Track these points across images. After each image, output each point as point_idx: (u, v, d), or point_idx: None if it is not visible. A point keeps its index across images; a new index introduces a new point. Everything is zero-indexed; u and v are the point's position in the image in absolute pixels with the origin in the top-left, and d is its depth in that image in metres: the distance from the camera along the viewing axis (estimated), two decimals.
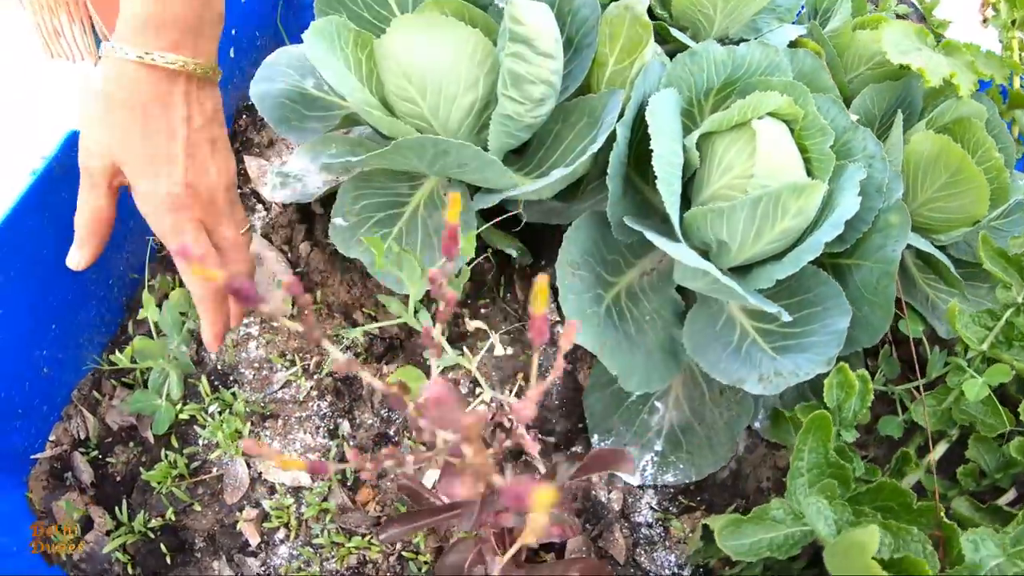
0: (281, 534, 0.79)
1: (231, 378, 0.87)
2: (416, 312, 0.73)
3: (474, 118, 0.74)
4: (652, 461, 0.79)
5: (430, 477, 0.80)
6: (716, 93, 0.75)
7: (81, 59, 1.07)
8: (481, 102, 0.73)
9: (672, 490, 0.81)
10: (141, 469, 0.85)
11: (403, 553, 0.77)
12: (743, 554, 0.61)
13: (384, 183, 0.81)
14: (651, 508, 0.80)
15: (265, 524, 0.81)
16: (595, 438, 0.80)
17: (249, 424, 0.83)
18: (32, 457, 0.89)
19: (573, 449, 0.81)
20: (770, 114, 0.72)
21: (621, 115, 0.71)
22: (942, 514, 0.60)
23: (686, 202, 0.76)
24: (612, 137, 0.70)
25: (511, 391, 0.81)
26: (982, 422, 0.69)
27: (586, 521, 0.78)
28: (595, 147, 0.70)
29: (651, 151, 0.67)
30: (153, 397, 0.83)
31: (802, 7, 0.93)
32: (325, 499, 0.79)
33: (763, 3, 0.84)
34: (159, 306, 0.83)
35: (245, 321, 0.89)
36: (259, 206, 0.95)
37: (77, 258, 0.73)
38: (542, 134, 0.81)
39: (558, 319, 0.87)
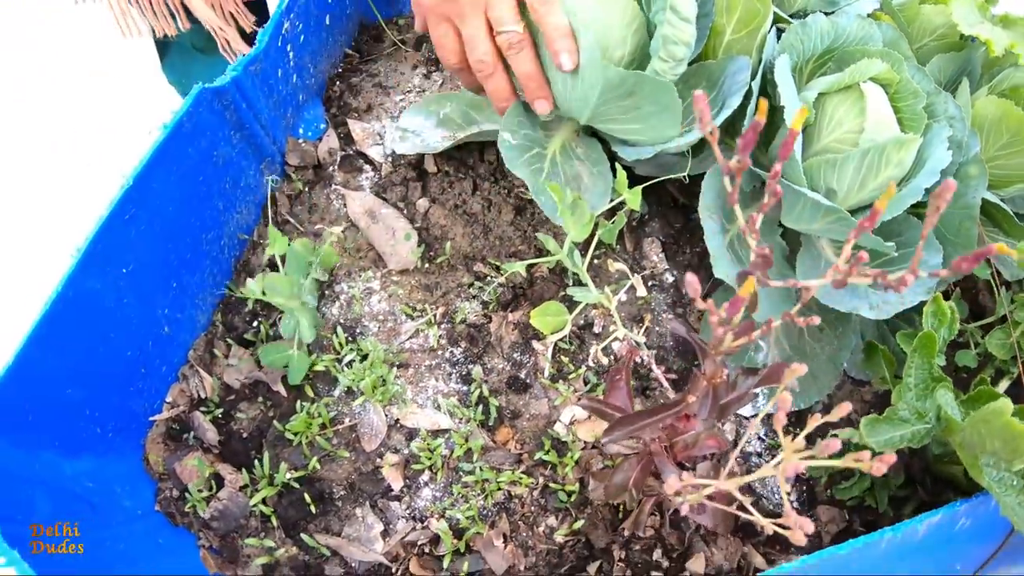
0: (425, 476, 0.86)
1: (356, 331, 0.91)
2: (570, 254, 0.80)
3: (624, 55, 0.84)
4: (762, 393, 0.88)
5: (567, 414, 0.87)
6: (817, 59, 0.88)
7: (158, 33, 1.11)
8: (628, 58, 0.85)
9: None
10: (275, 423, 0.90)
11: (549, 485, 0.83)
12: (884, 445, 0.72)
13: (529, 127, 0.91)
14: (759, 439, 0.88)
15: (407, 469, 0.87)
16: None
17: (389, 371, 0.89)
18: (150, 419, 0.90)
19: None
20: (871, 79, 0.83)
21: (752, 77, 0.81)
22: None
23: None
24: (748, 95, 0.79)
25: (640, 331, 0.89)
26: None
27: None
28: (735, 103, 0.79)
29: (780, 107, 0.80)
30: (285, 347, 0.87)
31: None
32: (467, 439, 0.84)
33: None
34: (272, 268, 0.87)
35: (366, 275, 0.93)
36: (367, 167, 1.02)
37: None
38: None
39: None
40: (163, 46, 1.33)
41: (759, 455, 0.92)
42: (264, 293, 0.84)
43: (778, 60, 0.84)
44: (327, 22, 1.07)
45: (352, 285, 0.96)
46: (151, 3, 1.11)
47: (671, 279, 0.98)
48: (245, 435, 0.92)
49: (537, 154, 0.91)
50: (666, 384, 0.86)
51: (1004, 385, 0.93)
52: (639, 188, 0.82)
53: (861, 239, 0.80)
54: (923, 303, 0.84)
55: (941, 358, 0.86)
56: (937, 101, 0.88)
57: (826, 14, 0.96)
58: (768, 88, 0.88)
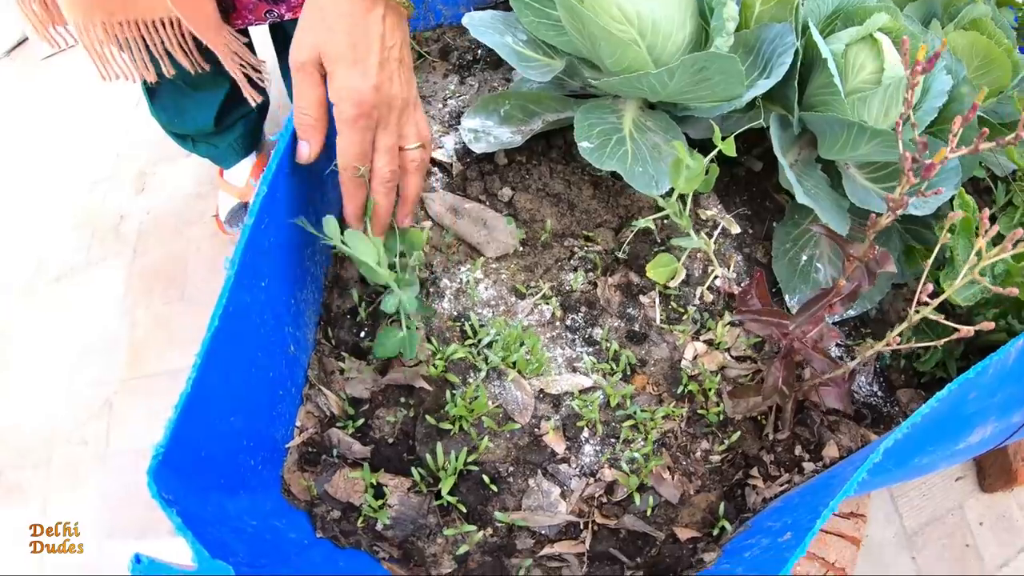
0: (585, 434, 0.92)
1: (476, 320, 0.96)
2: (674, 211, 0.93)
3: (682, 52, 0.99)
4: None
5: (689, 351, 0.96)
6: (827, 19, 1.04)
7: (134, 80, 1.13)
8: (688, 38, 0.97)
9: (845, 329, 1.12)
10: (426, 417, 0.94)
11: (697, 412, 0.92)
12: (968, 299, 0.96)
13: (599, 114, 1.02)
14: (837, 345, 1.02)
15: (567, 431, 0.97)
16: (787, 298, 1.05)
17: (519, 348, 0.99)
18: (285, 447, 0.90)
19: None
20: (879, 29, 1.00)
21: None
22: None
23: None
24: (796, 56, 0.96)
25: (732, 268, 1.00)
26: None
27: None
28: (787, 60, 0.95)
29: (821, 61, 1.01)
30: (394, 331, 0.89)
31: None
32: (613, 390, 0.92)
33: None
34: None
35: (467, 267, 1.03)
36: (435, 170, 1.07)
37: (306, 150, 0.86)
38: None
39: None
40: (151, 89, 1.29)
41: (840, 358, 1.06)
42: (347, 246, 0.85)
43: (810, 24, 1.00)
44: None
45: (454, 279, 1.01)
46: (132, 51, 1.10)
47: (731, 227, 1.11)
48: (391, 440, 0.94)
49: (617, 141, 1.04)
50: (759, 309, 0.98)
51: None
52: (731, 138, 0.93)
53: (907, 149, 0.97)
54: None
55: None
56: (927, 39, 1.07)
57: None
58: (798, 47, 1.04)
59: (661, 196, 0.98)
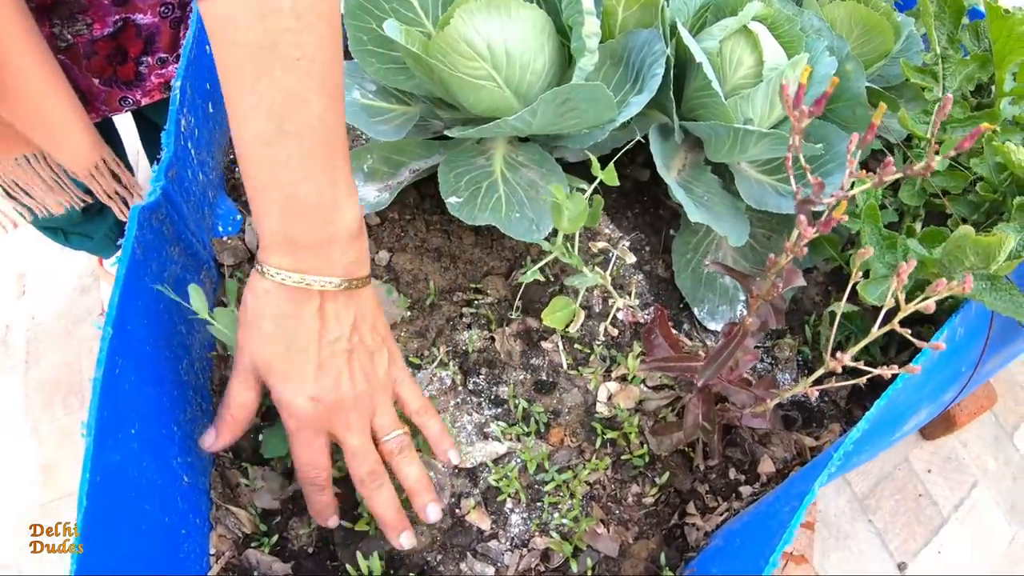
0: (509, 504, 0.88)
1: None
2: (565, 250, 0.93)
3: (543, 80, 0.94)
4: (744, 309, 0.99)
5: (602, 392, 0.93)
6: (697, 13, 0.99)
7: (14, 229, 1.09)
8: (549, 62, 0.92)
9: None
10: (341, 522, 0.87)
11: (622, 456, 0.89)
12: (880, 298, 0.91)
13: (466, 159, 0.98)
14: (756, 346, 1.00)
15: (490, 505, 0.92)
16: (696, 310, 1.02)
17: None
18: None
19: (684, 327, 0.99)
20: (753, 19, 0.95)
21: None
22: None
23: None
24: (668, 63, 0.90)
25: (632, 295, 0.97)
26: (952, 185, 1.00)
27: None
28: (659, 71, 0.90)
29: (695, 66, 0.95)
30: (282, 429, 0.84)
31: None
32: (529, 454, 0.89)
33: None
34: None
35: None
36: None
37: (211, 441, 0.79)
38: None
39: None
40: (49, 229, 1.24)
41: (761, 360, 1.03)
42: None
43: (680, 29, 0.94)
44: (210, 109, 1.02)
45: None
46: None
47: (627, 243, 1.08)
48: (311, 550, 0.90)
49: (488, 188, 0.98)
50: (676, 332, 0.94)
51: (919, 225, 1.10)
52: (611, 166, 0.88)
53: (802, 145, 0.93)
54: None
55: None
56: (803, 20, 1.04)
57: None
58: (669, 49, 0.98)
59: (545, 239, 0.94)
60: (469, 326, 1.01)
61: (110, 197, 1.14)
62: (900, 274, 0.68)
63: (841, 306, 1.02)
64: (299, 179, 0.66)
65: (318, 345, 0.71)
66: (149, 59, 1.23)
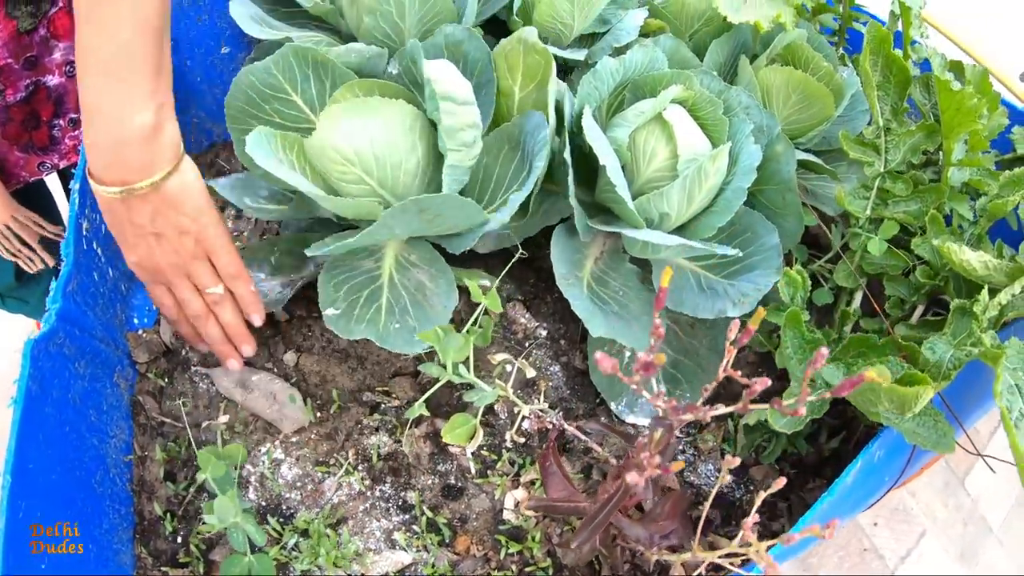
0: None
1: (284, 507, 0.92)
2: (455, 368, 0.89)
3: (420, 178, 0.92)
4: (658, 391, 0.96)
5: (509, 500, 0.92)
6: (614, 94, 0.92)
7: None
8: (423, 161, 0.91)
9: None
10: None
11: (525, 570, 0.89)
12: (791, 426, 0.88)
13: (352, 263, 0.97)
14: (676, 437, 0.97)
15: None
16: (613, 405, 1.00)
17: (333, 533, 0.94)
18: None
19: (601, 421, 0.97)
20: (671, 102, 0.88)
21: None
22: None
23: None
24: (552, 156, 0.87)
25: (540, 397, 0.95)
26: (890, 266, 0.93)
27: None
28: (541, 163, 0.91)
29: (600, 167, 0.89)
30: (240, 558, 0.87)
31: None
32: (434, 565, 0.89)
33: (604, 2, 0.99)
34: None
35: (265, 447, 0.99)
36: None
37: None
38: (475, 171, 0.94)
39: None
40: None
41: (683, 451, 1.01)
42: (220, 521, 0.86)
43: (585, 120, 0.89)
44: None
45: (256, 462, 0.95)
46: None
47: (544, 332, 1.04)
48: None
49: (369, 296, 0.96)
50: (583, 436, 0.93)
51: (859, 297, 1.04)
52: (493, 291, 0.86)
53: (716, 250, 0.87)
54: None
55: (805, 314, 0.96)
56: (730, 97, 0.96)
57: (601, 34, 0.99)
58: (576, 136, 0.91)
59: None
60: (377, 429, 0.99)
61: (14, 255, 1.20)
62: (801, 403, 0.64)
63: (755, 415, 1.00)
64: (98, 90, 0.80)
65: (131, 230, 0.88)
66: (61, 121, 1.22)
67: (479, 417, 0.95)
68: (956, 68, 1.14)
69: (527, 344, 1.04)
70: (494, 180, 0.98)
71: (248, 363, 1.01)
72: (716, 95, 0.95)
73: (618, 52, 1.05)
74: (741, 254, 0.94)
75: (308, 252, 0.91)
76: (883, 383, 0.81)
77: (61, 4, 1.14)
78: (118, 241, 0.92)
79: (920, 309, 1.02)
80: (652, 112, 0.92)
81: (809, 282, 0.97)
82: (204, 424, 1.00)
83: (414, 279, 0.97)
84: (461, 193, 0.98)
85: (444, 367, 0.89)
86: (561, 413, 1.01)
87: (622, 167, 0.94)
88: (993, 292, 0.91)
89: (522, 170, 0.95)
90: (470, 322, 0.90)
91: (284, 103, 0.94)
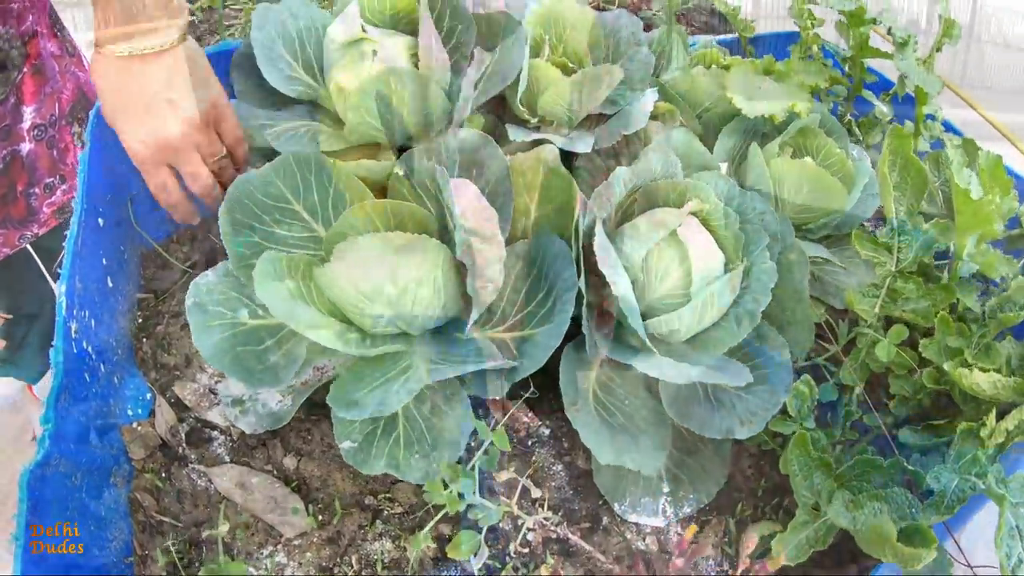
0: None
1: None
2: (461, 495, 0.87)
3: (440, 309, 0.90)
4: (667, 502, 0.96)
5: None
6: (626, 199, 0.90)
7: None
8: (443, 292, 0.89)
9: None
10: None
11: None
12: (797, 556, 0.88)
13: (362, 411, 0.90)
14: (680, 536, 0.97)
15: None
16: (616, 506, 0.99)
17: None
18: None
19: (604, 521, 0.96)
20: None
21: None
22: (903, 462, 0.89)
23: None
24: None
25: (542, 508, 0.98)
26: (896, 365, 0.93)
27: (645, 570, 0.94)
28: (568, 308, 0.88)
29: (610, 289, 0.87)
30: None
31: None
32: None
33: (614, 84, 1.01)
34: None
35: (268, 549, 0.97)
36: (215, 433, 0.99)
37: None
38: None
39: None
40: None
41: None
42: None
43: (598, 243, 0.87)
44: (109, 284, 0.99)
45: (259, 565, 0.95)
46: None
47: (547, 432, 1.04)
48: None
49: (386, 424, 0.93)
50: (589, 548, 0.93)
51: (858, 388, 1.04)
52: (501, 429, 0.86)
53: (737, 382, 0.86)
54: None
55: (811, 420, 0.96)
56: (744, 201, 0.95)
57: (608, 116, 0.96)
58: (588, 249, 0.91)
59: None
60: (380, 535, 0.97)
61: None
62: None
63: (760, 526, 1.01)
64: None
65: (143, 100, 0.89)
66: (36, 190, 1.19)
67: (484, 533, 0.94)
68: (969, 149, 1.11)
69: (530, 443, 1.02)
70: (506, 299, 0.95)
71: (247, 464, 0.99)
72: (727, 198, 0.93)
73: (627, 140, 1.01)
74: (754, 376, 0.92)
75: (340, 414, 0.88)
76: (889, 537, 0.82)
77: (26, 69, 1.09)
78: (125, 122, 0.91)
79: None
80: (666, 231, 0.90)
81: (816, 392, 0.96)
82: (205, 533, 0.97)
83: (428, 404, 0.94)
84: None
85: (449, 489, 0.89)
86: (564, 518, 1.01)
87: (632, 282, 0.91)
88: (1001, 414, 0.92)
89: (538, 291, 0.92)
90: (479, 454, 0.89)
91: (284, 213, 0.91)
